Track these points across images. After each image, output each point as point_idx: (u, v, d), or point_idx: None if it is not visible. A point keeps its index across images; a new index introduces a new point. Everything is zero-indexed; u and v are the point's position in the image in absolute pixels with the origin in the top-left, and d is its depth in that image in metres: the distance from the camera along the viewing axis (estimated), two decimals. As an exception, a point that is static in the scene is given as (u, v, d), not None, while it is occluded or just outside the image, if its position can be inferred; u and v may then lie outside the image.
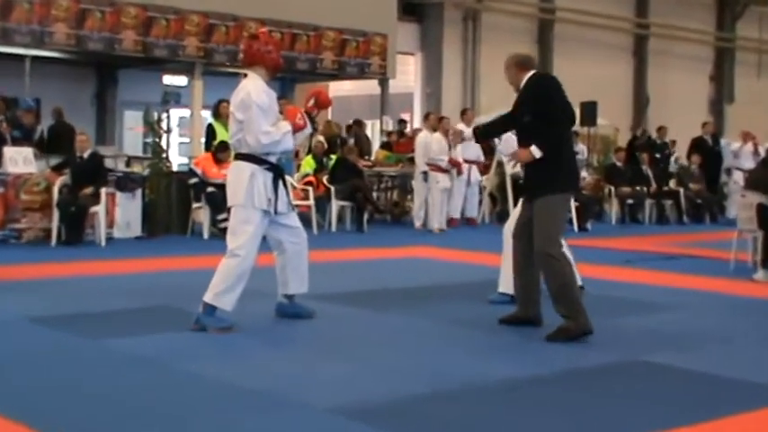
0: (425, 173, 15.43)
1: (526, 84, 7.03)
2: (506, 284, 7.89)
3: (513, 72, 7.09)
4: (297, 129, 7.00)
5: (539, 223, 6.72)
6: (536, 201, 6.80)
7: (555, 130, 6.78)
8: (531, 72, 7.09)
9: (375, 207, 15.24)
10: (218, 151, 13.40)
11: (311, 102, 7.26)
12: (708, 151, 20.10)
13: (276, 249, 7.21)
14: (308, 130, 7.26)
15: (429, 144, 15.43)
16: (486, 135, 8.00)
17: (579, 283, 8.18)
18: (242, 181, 6.83)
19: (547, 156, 6.74)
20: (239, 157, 6.99)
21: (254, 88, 6.86)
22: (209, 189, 13.28)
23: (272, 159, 6.97)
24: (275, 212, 6.92)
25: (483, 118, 16.03)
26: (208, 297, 6.76)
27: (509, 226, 7.95)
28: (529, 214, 6.87)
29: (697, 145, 20.39)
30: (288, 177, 13.62)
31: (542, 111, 6.81)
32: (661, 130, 21.24)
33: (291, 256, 7.17)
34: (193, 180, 13.60)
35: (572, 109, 7.09)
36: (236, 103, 6.90)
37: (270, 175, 6.91)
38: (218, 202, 13.04)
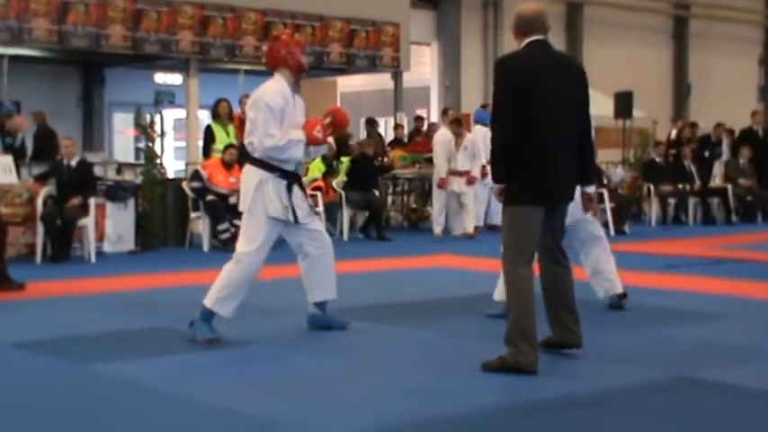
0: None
1: None
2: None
3: (514, 38, 6.31)
4: (312, 142, 7.15)
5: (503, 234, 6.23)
6: None
7: (501, 126, 6.03)
8: (527, 41, 6.25)
9: (380, 234, 15.20)
10: (225, 154, 13.47)
11: (327, 120, 7.36)
12: (758, 143, 20.00)
13: (298, 254, 7.35)
14: (325, 147, 7.37)
15: (449, 143, 15.43)
16: None
17: (620, 290, 8.18)
18: (249, 188, 7.02)
19: (495, 160, 6.12)
20: (250, 161, 7.12)
21: (269, 88, 7.08)
22: (209, 197, 13.29)
23: (287, 167, 7.06)
24: (296, 221, 7.03)
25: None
26: (208, 301, 6.91)
27: None
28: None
29: (746, 137, 20.31)
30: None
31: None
32: (719, 127, 21.03)
33: (314, 260, 7.30)
34: (195, 184, 13.60)
35: (548, 97, 6.05)
36: (250, 101, 7.15)
37: (283, 183, 7.02)
38: (220, 211, 13.09)
